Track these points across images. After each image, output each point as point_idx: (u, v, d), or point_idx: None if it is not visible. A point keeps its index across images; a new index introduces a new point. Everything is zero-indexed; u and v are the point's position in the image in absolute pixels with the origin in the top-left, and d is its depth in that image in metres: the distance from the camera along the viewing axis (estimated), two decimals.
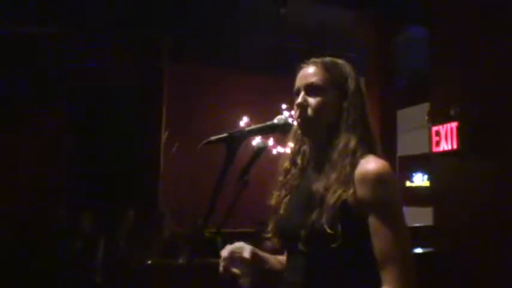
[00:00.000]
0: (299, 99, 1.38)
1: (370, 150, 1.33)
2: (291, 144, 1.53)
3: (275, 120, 1.37)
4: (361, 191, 1.24)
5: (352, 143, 1.32)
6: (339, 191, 1.25)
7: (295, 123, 1.43)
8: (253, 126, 1.36)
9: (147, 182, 5.63)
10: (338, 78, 1.39)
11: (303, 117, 1.37)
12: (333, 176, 1.29)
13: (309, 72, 1.40)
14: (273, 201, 1.47)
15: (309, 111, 1.37)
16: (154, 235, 5.08)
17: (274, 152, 6.64)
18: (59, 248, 4.91)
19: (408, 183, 8.82)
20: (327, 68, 1.40)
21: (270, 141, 6.58)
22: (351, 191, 1.24)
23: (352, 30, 6.26)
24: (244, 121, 6.99)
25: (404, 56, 6.72)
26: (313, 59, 1.44)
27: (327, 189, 1.27)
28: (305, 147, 1.49)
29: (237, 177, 1.30)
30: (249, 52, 6.80)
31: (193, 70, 7.39)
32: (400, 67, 6.64)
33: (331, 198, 1.25)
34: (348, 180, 1.26)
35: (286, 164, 1.50)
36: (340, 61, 1.44)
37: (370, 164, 1.26)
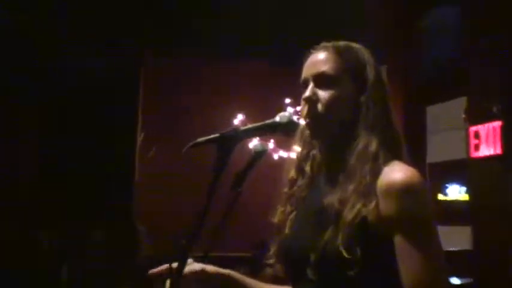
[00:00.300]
0: (307, 93, 1.39)
1: (395, 155, 1.34)
2: (297, 148, 1.54)
3: (277, 118, 1.36)
4: (385, 205, 1.24)
5: (373, 146, 1.32)
6: (358, 206, 1.25)
7: (301, 121, 1.43)
8: (249, 126, 1.36)
9: (119, 194, 5.62)
10: (354, 66, 1.40)
11: (311, 114, 1.38)
12: (350, 186, 1.29)
13: (319, 59, 1.41)
14: (275, 218, 1.48)
15: (319, 106, 1.37)
16: (127, 259, 5.07)
17: (276, 156, 6.64)
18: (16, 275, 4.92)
19: (441, 197, 8.80)
20: (340, 54, 1.40)
21: (271, 144, 6.58)
22: (373, 205, 1.25)
23: (370, 11, 6.27)
24: (238, 119, 6.99)
25: (434, 41, 6.72)
26: (323, 44, 1.45)
27: (342, 203, 1.28)
28: (314, 152, 1.49)
29: (230, 188, 1.30)
30: (244, 35, 6.79)
31: (176, 60, 7.38)
32: (429, 54, 6.64)
33: (348, 214, 1.25)
34: (368, 191, 1.26)
35: (292, 172, 1.50)
36: (356, 45, 1.45)
37: (396, 172, 1.27)
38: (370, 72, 1.40)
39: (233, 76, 7.67)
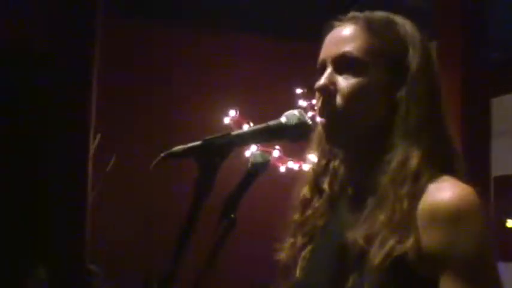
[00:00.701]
0: (321, 80, 1.40)
1: (446, 168, 1.35)
2: (311, 157, 1.55)
3: (282, 119, 1.36)
4: (429, 237, 1.26)
5: (414, 161, 1.33)
6: (390, 242, 1.26)
7: (319, 120, 1.44)
8: (245, 129, 1.36)
9: (66, 221, 5.61)
10: (392, 47, 1.41)
11: (327, 109, 1.39)
12: (381, 216, 1.30)
13: (343, 35, 1.42)
14: (283, 255, 1.49)
15: (338, 99, 1.38)
16: None
17: (283, 169, 6.62)
18: None
19: (510, 223, 8.79)
20: (373, 30, 1.41)
21: (276, 152, 6.57)
22: (411, 241, 1.26)
23: None
24: (230, 117, 6.96)
25: (503, 13, 6.70)
26: (352, 14, 1.46)
27: (370, 239, 1.29)
28: (337, 164, 1.50)
29: (220, 214, 1.31)
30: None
31: (146, 32, 7.37)
32: (499, 25, 6.62)
33: (376, 255, 1.26)
34: (406, 222, 1.27)
35: (305, 190, 1.52)
36: (397, 19, 1.46)
37: (444, 191, 1.28)
38: (414, 58, 1.40)
39: (223, 56, 7.63)
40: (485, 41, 6.17)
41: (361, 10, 1.46)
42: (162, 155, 1.25)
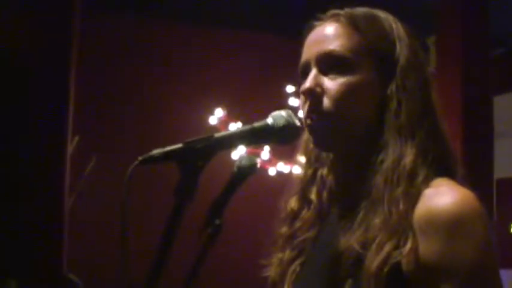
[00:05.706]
0: (307, 82, 1.40)
1: (441, 170, 1.35)
2: (302, 159, 1.55)
3: (269, 120, 1.36)
4: (426, 246, 1.25)
5: (408, 159, 1.33)
6: (387, 247, 1.26)
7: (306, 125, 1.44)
8: (229, 131, 1.35)
9: (42, 227, 5.59)
10: (378, 42, 1.42)
11: (315, 113, 1.39)
12: (376, 220, 1.30)
13: (326, 33, 1.43)
14: (271, 271, 1.50)
15: (326, 102, 1.39)
16: None
17: (273, 172, 6.59)
18: None
19: None
20: (357, 26, 1.42)
21: (265, 154, 6.55)
22: (408, 246, 1.25)
23: None
24: (216, 116, 6.94)
25: (504, 8, 6.72)
26: (332, 12, 1.47)
27: (365, 244, 1.29)
28: (324, 171, 1.50)
29: (205, 222, 1.30)
30: None
31: (128, 29, 7.35)
32: (502, 19, 6.64)
33: (373, 261, 1.26)
34: (402, 226, 1.27)
35: (293, 202, 1.52)
36: (381, 14, 1.47)
37: (442, 196, 1.28)
38: (402, 52, 1.41)
39: (209, 51, 7.61)
40: (487, 36, 6.18)
41: (341, 7, 1.46)
42: (139, 159, 1.26)
